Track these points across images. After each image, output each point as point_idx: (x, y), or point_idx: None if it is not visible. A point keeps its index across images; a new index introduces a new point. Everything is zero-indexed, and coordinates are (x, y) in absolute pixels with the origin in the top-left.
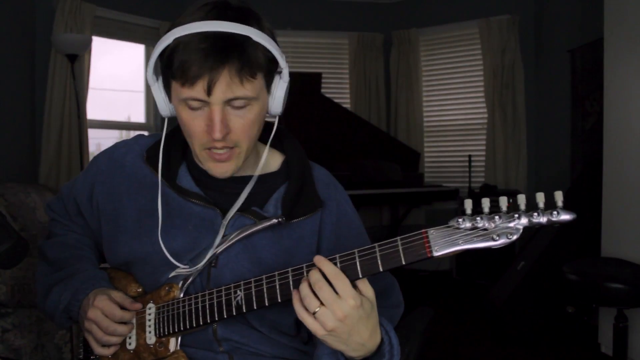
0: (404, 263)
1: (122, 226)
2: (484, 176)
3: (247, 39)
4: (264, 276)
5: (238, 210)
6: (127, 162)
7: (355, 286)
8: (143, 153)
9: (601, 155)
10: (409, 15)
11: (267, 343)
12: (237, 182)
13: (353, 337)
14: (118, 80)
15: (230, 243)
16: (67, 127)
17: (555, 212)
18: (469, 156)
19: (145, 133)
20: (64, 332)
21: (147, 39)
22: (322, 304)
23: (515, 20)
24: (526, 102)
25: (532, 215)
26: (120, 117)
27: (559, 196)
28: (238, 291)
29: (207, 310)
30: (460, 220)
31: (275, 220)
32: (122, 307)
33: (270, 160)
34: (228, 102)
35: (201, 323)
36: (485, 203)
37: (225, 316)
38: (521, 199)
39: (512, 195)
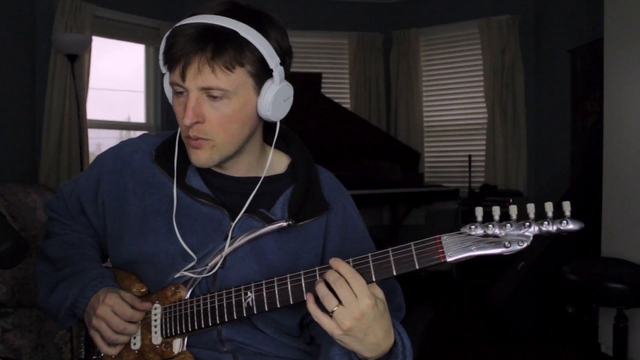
0: (417, 267)
1: (127, 225)
2: (484, 176)
3: (233, 33)
4: (275, 278)
5: (245, 212)
6: (134, 161)
7: None
8: (151, 152)
9: (601, 155)
10: (409, 15)
11: (271, 344)
12: (243, 183)
13: (368, 337)
14: (118, 80)
15: (238, 244)
16: (67, 127)
17: (564, 222)
18: (469, 156)
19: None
20: (64, 332)
21: (147, 39)
22: (340, 303)
23: (515, 20)
24: (526, 102)
25: (542, 224)
26: (120, 117)
27: (567, 206)
28: (249, 292)
29: (217, 312)
30: (472, 226)
31: (284, 223)
32: (132, 307)
33: (277, 162)
34: (205, 91)
35: (210, 324)
36: (496, 211)
37: (235, 317)
38: (530, 208)
39: (512, 195)
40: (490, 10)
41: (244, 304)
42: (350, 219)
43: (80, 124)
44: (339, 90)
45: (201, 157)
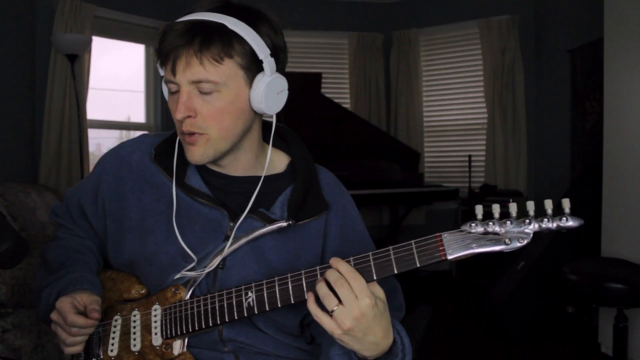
0: (418, 265)
1: (127, 225)
2: (484, 176)
3: (221, 26)
4: (275, 278)
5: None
6: (133, 161)
7: None
8: (151, 151)
9: (601, 155)
10: (409, 15)
11: (271, 343)
12: (242, 182)
13: (368, 337)
14: (118, 80)
15: (238, 245)
16: (67, 127)
17: (564, 219)
18: (469, 156)
19: (146, 132)
20: None
21: (147, 39)
22: (340, 302)
23: (515, 20)
24: (526, 102)
25: (542, 221)
26: (120, 117)
27: (566, 203)
28: (249, 293)
29: (217, 312)
30: (472, 224)
31: (284, 223)
32: (81, 312)
33: (276, 162)
34: (195, 85)
35: (210, 325)
36: (496, 209)
37: (235, 317)
38: (530, 205)
39: (512, 195)
40: (490, 10)
41: (245, 304)
42: (350, 219)
43: (80, 124)
44: (339, 90)
45: (196, 153)
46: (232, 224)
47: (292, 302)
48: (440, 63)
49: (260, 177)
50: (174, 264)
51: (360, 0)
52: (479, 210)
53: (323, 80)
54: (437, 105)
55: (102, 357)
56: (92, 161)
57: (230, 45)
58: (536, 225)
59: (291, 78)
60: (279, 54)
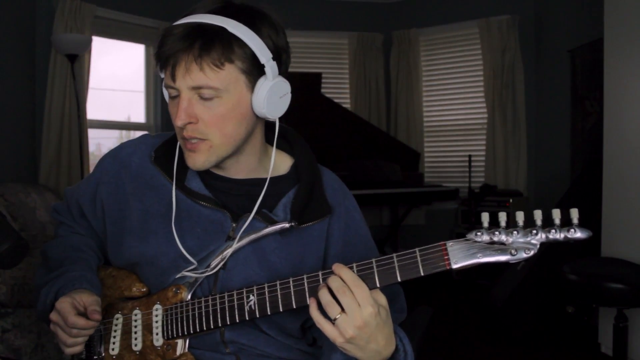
0: (422, 274)
1: (127, 227)
2: (484, 176)
3: (221, 29)
4: (277, 282)
5: (248, 212)
6: (133, 163)
7: None
8: (150, 153)
9: (601, 155)
10: (409, 15)
11: (273, 345)
12: (244, 184)
13: (370, 345)
14: (118, 80)
15: (240, 245)
16: (67, 127)
17: (572, 230)
18: (469, 156)
19: (146, 133)
20: None
21: (147, 39)
22: (342, 310)
23: (515, 20)
24: (526, 102)
25: (549, 232)
26: (120, 117)
27: (574, 213)
28: (251, 296)
29: (218, 314)
30: (478, 233)
31: (287, 225)
32: (82, 313)
33: (279, 163)
34: (196, 91)
35: (212, 327)
36: (502, 217)
37: (237, 320)
38: (537, 215)
39: (512, 195)
40: (490, 10)
41: (247, 307)
42: (352, 222)
43: (80, 124)
44: (339, 90)
45: (197, 160)
46: (234, 224)
47: (294, 306)
48: (440, 63)
49: (262, 179)
50: (175, 266)
51: (360, 0)
52: (485, 218)
53: (323, 80)
54: (437, 105)
55: (103, 355)
56: (92, 161)
57: (231, 49)
58: (543, 236)
59: (291, 78)
60: (281, 55)
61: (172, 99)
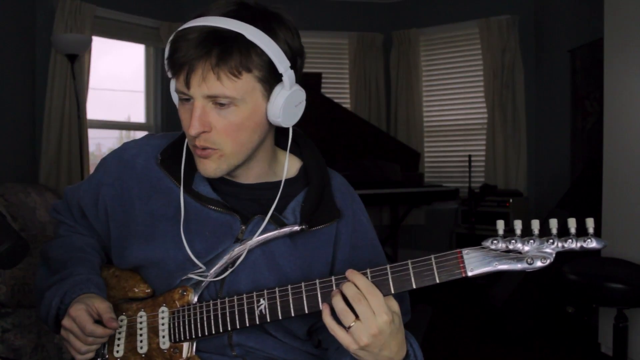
0: (438, 282)
1: (134, 230)
2: (484, 176)
3: (239, 36)
4: (289, 286)
5: (258, 214)
6: (138, 164)
7: None
8: (156, 155)
9: (601, 155)
10: (409, 15)
11: (280, 348)
12: (253, 189)
13: (383, 352)
14: (118, 80)
15: (250, 246)
16: (67, 127)
17: (588, 240)
18: (469, 156)
19: (146, 133)
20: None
21: (147, 39)
22: (357, 318)
23: (515, 20)
24: (526, 102)
25: (565, 241)
26: (120, 117)
27: (590, 223)
28: (262, 300)
29: (227, 318)
30: (494, 241)
31: (297, 227)
32: (97, 321)
33: (289, 166)
34: (211, 99)
35: (221, 330)
36: (518, 225)
37: (247, 324)
38: (553, 223)
39: (512, 195)
40: (490, 10)
41: (257, 312)
42: (360, 226)
43: (80, 124)
44: (339, 90)
45: (208, 167)
46: (244, 227)
47: (307, 312)
48: (440, 63)
49: (271, 182)
50: (182, 269)
51: (360, 0)
52: (500, 225)
53: (323, 80)
54: (437, 105)
55: (107, 357)
56: (92, 161)
57: (249, 57)
58: (559, 245)
59: None
60: (297, 60)
61: (183, 102)
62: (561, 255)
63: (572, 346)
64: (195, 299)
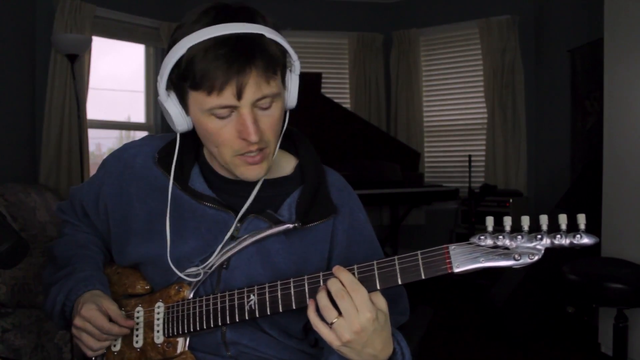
0: (423, 277)
1: (132, 228)
2: (484, 176)
3: (261, 36)
4: (278, 282)
5: (253, 213)
6: (136, 164)
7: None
8: (154, 154)
9: (601, 155)
10: (409, 15)
11: (275, 347)
12: (250, 186)
13: (367, 349)
14: (118, 80)
15: (244, 245)
16: (67, 127)
17: (578, 236)
18: (469, 156)
19: (146, 133)
20: (64, 332)
21: (147, 39)
22: (340, 314)
23: (515, 20)
24: (526, 102)
25: (554, 237)
26: (120, 117)
27: (581, 219)
28: (252, 295)
29: (219, 313)
30: (482, 237)
31: (290, 225)
32: (111, 320)
33: (284, 164)
34: (255, 103)
35: (212, 325)
36: (507, 221)
37: (237, 320)
38: (543, 220)
39: (512, 195)
40: (490, 10)
41: (247, 307)
42: (356, 222)
43: (80, 124)
44: (339, 90)
45: (262, 170)
46: (239, 224)
47: (294, 307)
48: (440, 63)
49: (268, 180)
50: (179, 266)
51: (360, 0)
52: (489, 222)
53: (323, 80)
54: (437, 105)
55: (105, 351)
56: (92, 161)
57: (276, 54)
58: (548, 241)
59: None
60: None
61: (221, 119)
62: (561, 256)
63: (572, 346)
64: (191, 295)
